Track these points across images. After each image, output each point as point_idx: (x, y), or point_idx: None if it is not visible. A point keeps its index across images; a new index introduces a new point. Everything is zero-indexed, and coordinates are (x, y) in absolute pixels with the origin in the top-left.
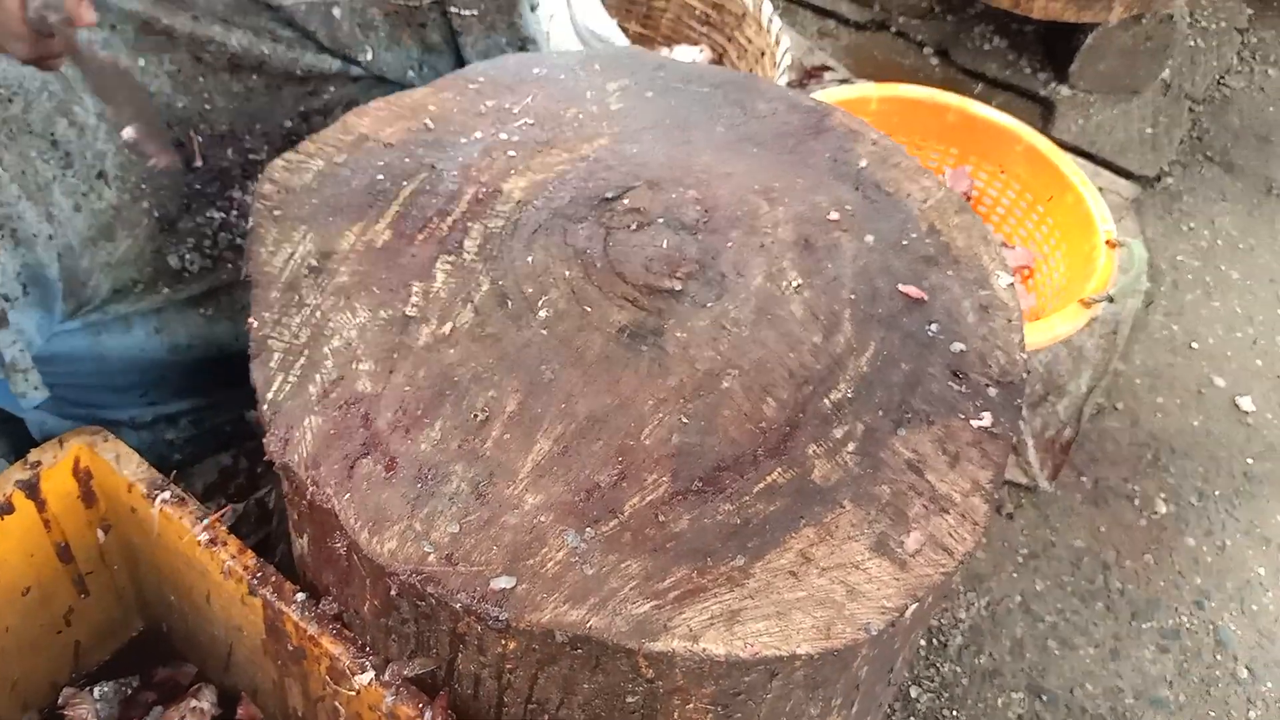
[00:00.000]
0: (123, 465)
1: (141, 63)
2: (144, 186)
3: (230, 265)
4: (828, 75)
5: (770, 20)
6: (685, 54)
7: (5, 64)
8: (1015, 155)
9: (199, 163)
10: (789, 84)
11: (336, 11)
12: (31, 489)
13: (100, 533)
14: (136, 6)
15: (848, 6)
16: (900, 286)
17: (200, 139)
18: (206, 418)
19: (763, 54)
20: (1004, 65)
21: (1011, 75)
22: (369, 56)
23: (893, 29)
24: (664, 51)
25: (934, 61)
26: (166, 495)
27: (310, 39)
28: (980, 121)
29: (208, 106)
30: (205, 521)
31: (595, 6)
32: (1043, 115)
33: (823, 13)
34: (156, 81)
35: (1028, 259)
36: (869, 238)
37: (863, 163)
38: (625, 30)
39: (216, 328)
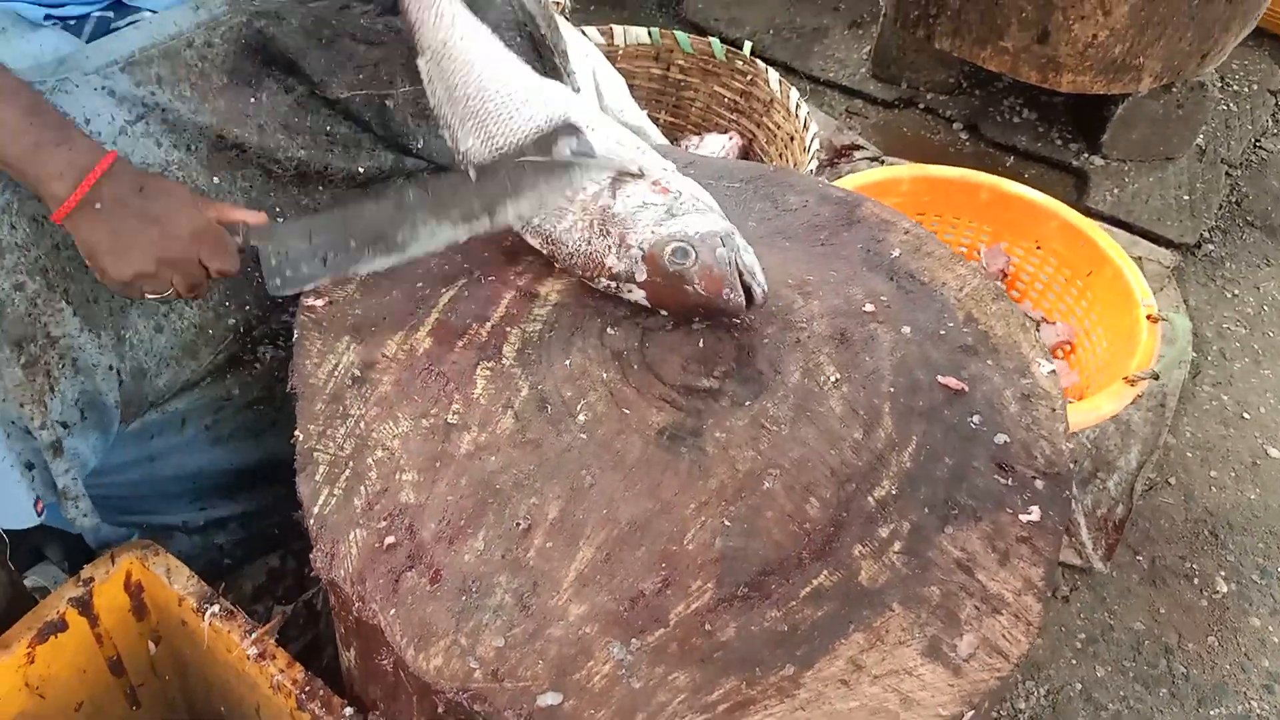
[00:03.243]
0: (173, 579)
1: (216, 180)
2: (228, 304)
3: (285, 359)
4: (857, 154)
5: (798, 105)
6: (715, 142)
7: None
8: (1050, 231)
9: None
10: (819, 164)
11: (389, 103)
12: (84, 605)
13: (151, 645)
14: (208, 120)
15: (875, 85)
16: (940, 378)
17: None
18: (255, 520)
19: (792, 139)
20: (1034, 137)
21: (1042, 147)
22: (420, 144)
23: (921, 106)
24: (694, 140)
25: (964, 136)
26: (216, 609)
27: (366, 130)
28: (1014, 199)
29: (280, 220)
30: (254, 635)
31: (625, 97)
32: (1076, 186)
33: (850, 92)
34: (231, 198)
35: (1068, 334)
36: (906, 329)
37: (896, 252)
38: (655, 120)
39: (261, 420)
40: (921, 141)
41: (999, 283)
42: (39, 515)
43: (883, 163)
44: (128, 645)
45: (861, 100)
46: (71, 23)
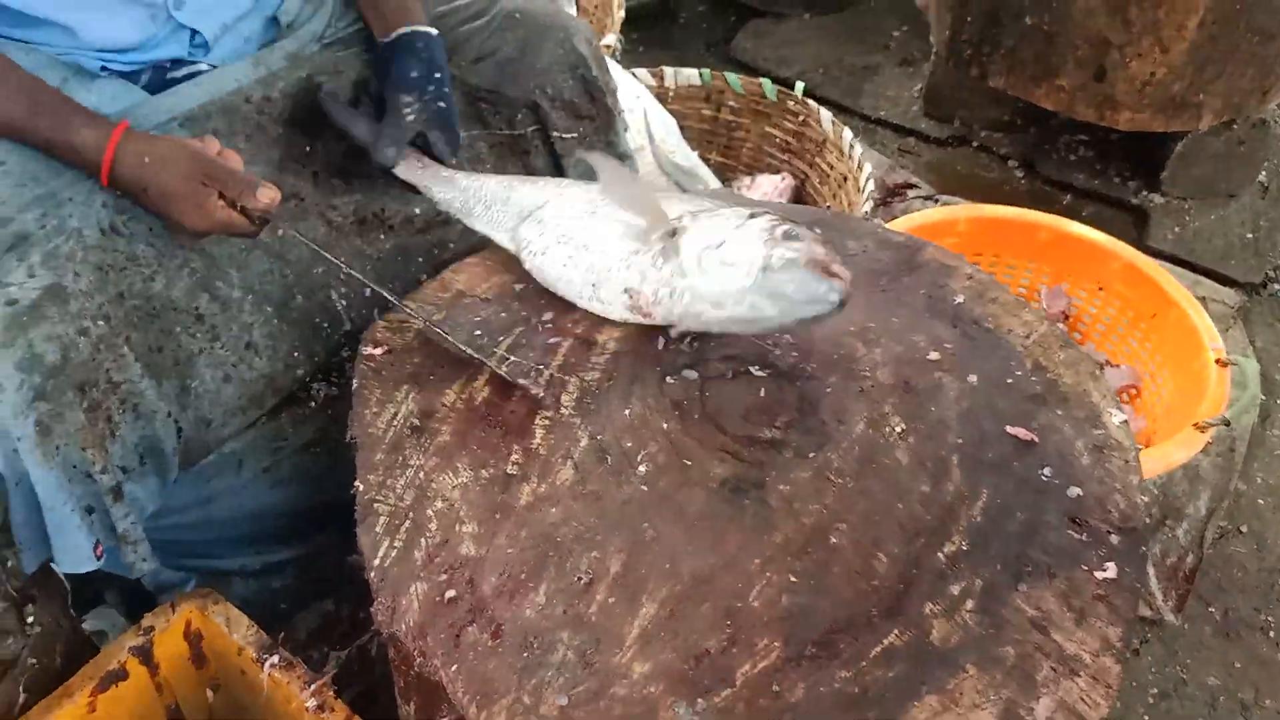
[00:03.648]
0: (233, 628)
1: (280, 232)
2: (297, 354)
3: (344, 396)
4: (911, 193)
5: (851, 146)
6: (767, 182)
7: (144, 245)
8: (1113, 273)
9: (348, 325)
10: (874, 203)
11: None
12: (145, 654)
13: (209, 692)
14: (264, 171)
15: (928, 123)
16: (1008, 428)
17: (344, 302)
18: (310, 564)
19: (845, 179)
20: (1092, 175)
21: (1100, 185)
22: None
23: (974, 143)
24: (746, 180)
25: (1019, 174)
26: (275, 659)
27: None
28: (1074, 239)
29: (345, 273)
30: (313, 687)
31: (677, 139)
32: (1135, 224)
33: (903, 130)
34: (293, 250)
35: (1133, 378)
36: (972, 377)
37: (959, 298)
38: (706, 160)
39: (318, 462)
40: (976, 179)
41: (1063, 327)
42: (98, 559)
43: (937, 201)
44: (187, 693)
45: (914, 138)
46: (129, 73)
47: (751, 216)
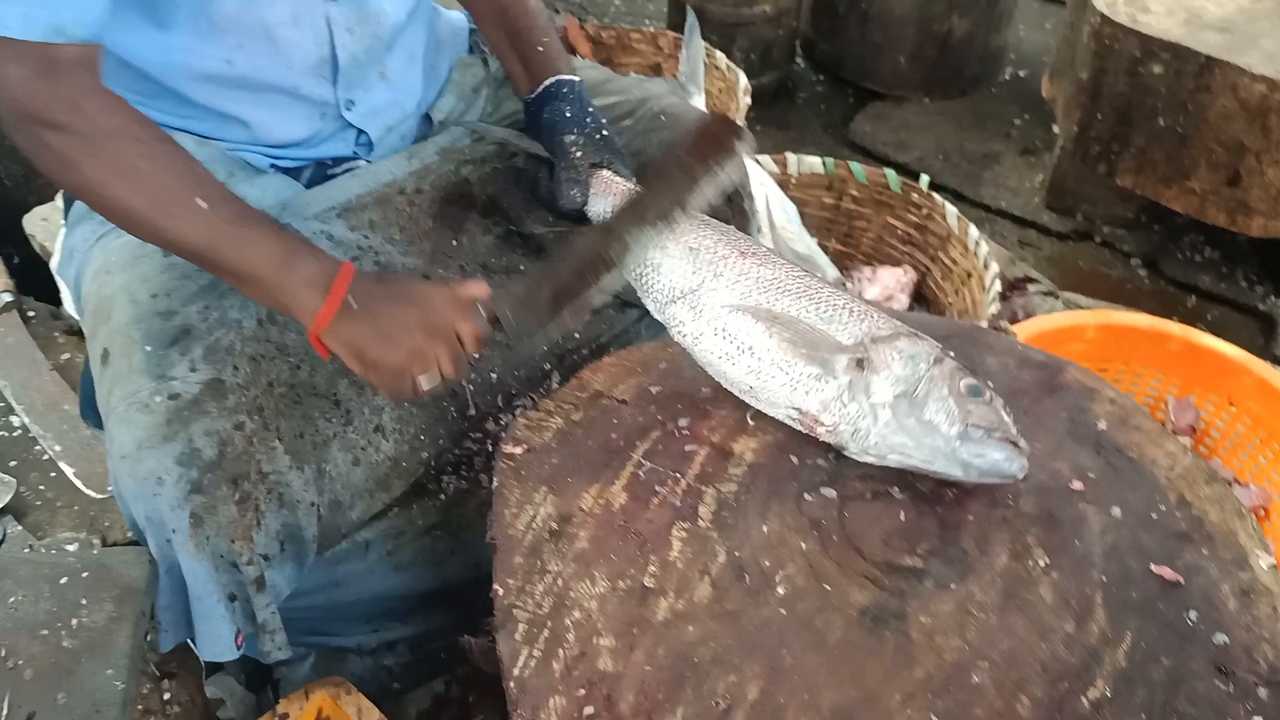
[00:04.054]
0: None
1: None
2: (422, 438)
3: (474, 488)
4: (1031, 287)
5: (977, 244)
6: (889, 275)
7: (294, 334)
8: (1245, 388)
9: (472, 411)
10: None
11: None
12: None
13: None
14: (415, 261)
15: (1049, 216)
16: (1153, 567)
17: (471, 388)
18: (423, 643)
19: (969, 276)
20: (1218, 278)
21: (1227, 288)
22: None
23: (1097, 239)
24: (866, 271)
25: (1142, 273)
26: None
27: None
28: (1205, 351)
29: (474, 356)
30: None
31: (798, 226)
32: (1263, 331)
33: (1023, 222)
34: None
35: (1263, 499)
36: (1116, 510)
37: (1102, 424)
38: (825, 248)
39: (437, 545)
40: (1097, 276)
41: (1209, 463)
42: (238, 649)
43: (1058, 298)
44: None
45: (1034, 230)
46: (293, 169)
47: (936, 361)
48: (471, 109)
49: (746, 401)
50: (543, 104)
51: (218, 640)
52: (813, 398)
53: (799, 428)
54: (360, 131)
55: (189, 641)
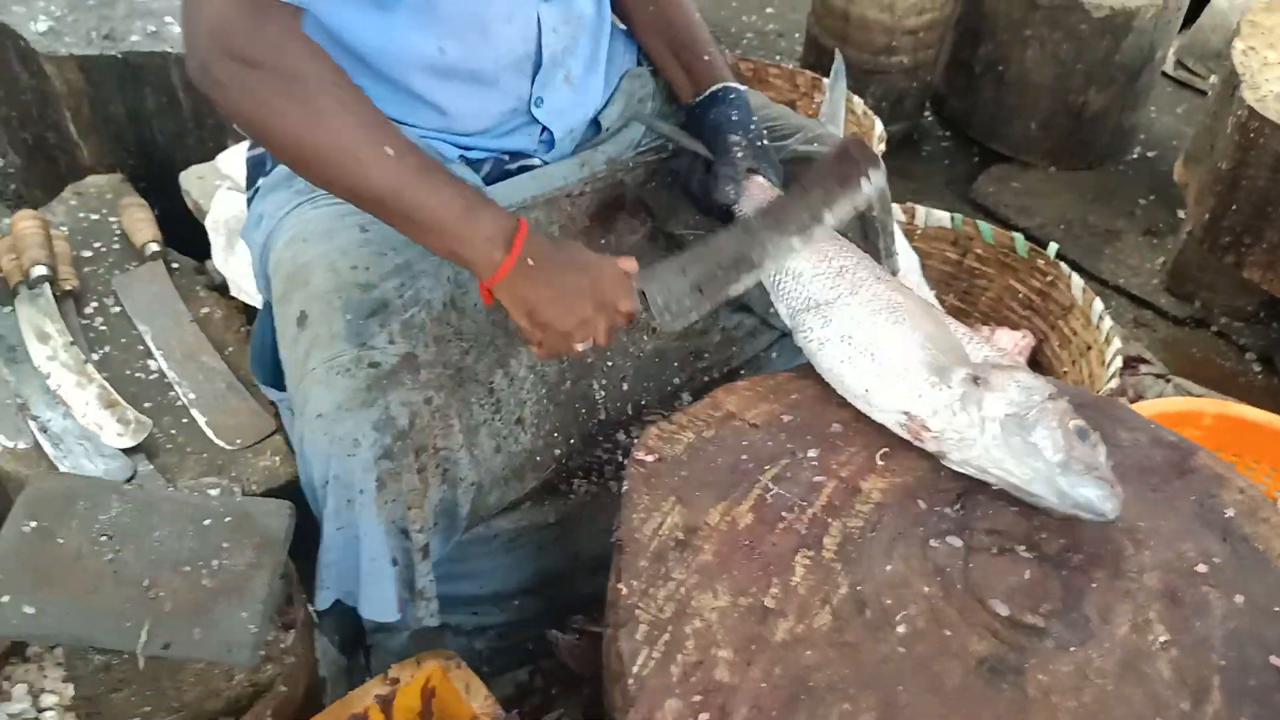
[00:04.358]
0: (472, 695)
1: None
2: (555, 434)
3: (602, 493)
4: (1143, 368)
5: (1101, 317)
6: (1007, 338)
7: (470, 320)
8: None
9: (602, 414)
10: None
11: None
12: (386, 704)
13: None
14: None
15: (1167, 300)
16: (1273, 659)
17: (602, 392)
18: (514, 632)
19: (1089, 348)
20: None
21: None
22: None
23: (1213, 328)
24: (985, 330)
25: (1256, 368)
26: None
27: None
28: None
29: (609, 363)
30: None
31: (919, 277)
32: None
33: (1140, 302)
34: None
35: None
36: (1239, 598)
37: (1230, 512)
38: (943, 303)
39: (549, 539)
40: (1210, 365)
41: None
42: (399, 611)
43: (1169, 381)
44: None
45: (1151, 312)
46: (475, 160)
47: (1051, 398)
48: (638, 118)
49: (858, 406)
50: (709, 106)
51: (382, 601)
52: (925, 402)
53: (904, 434)
54: (544, 129)
55: (305, 605)
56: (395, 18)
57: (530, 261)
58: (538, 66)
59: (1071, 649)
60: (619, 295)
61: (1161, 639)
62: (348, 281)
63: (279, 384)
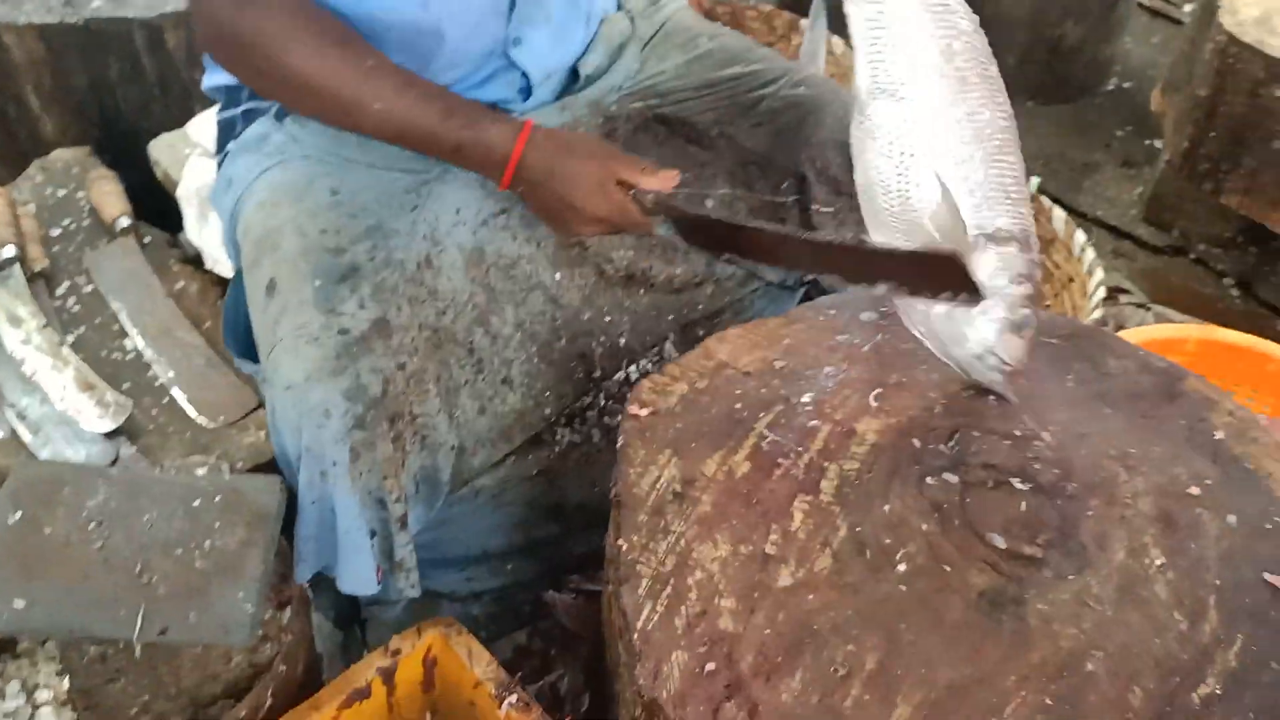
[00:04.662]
0: (474, 662)
1: (558, 276)
2: (548, 394)
3: (584, 441)
4: (1122, 298)
5: (1083, 249)
6: None
7: (445, 279)
8: None
9: (598, 372)
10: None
11: (709, 202)
12: (388, 675)
13: (428, 715)
14: None
15: (1146, 229)
16: (1266, 576)
17: (600, 349)
18: (509, 595)
19: (1070, 280)
20: None
21: None
22: None
23: (1192, 255)
24: None
25: (1234, 293)
26: (514, 699)
27: None
28: None
29: (607, 319)
30: None
31: None
32: None
33: (1118, 233)
34: (568, 294)
35: None
36: (1231, 518)
37: (1219, 434)
38: None
39: (537, 491)
40: (1189, 292)
41: None
42: (378, 584)
43: (1149, 309)
44: (411, 716)
45: (1130, 242)
46: None
47: (1020, 282)
48: (617, 65)
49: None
50: None
51: (360, 574)
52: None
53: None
54: (523, 75)
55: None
56: None
57: (527, 177)
58: (513, 5)
59: (1070, 577)
60: (621, 222)
61: (1158, 562)
62: (316, 245)
63: (254, 355)
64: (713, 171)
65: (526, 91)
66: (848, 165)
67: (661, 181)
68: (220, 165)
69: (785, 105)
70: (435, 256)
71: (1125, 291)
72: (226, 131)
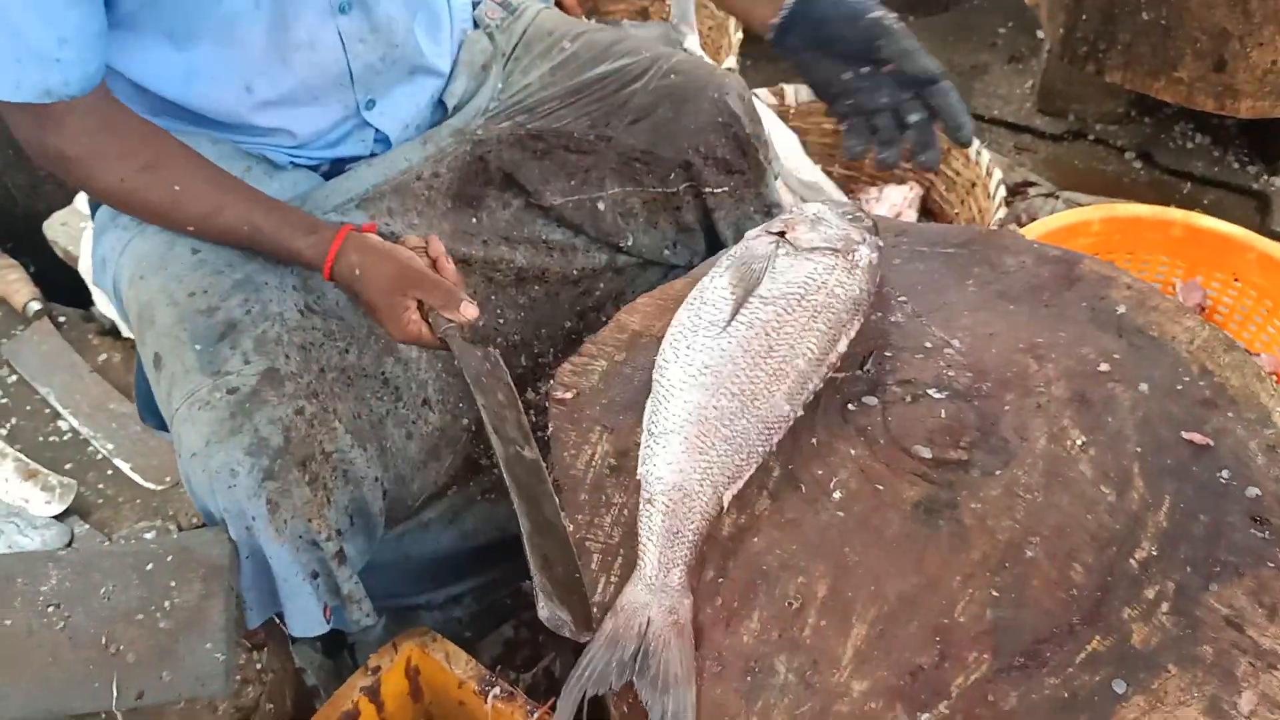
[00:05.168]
0: (453, 664)
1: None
2: (461, 405)
3: None
4: (1031, 191)
5: (979, 152)
6: (895, 193)
7: (335, 320)
8: (1248, 263)
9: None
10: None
11: (601, 205)
12: (373, 693)
13: None
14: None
15: (1041, 119)
16: (1184, 434)
17: (496, 351)
18: (488, 593)
19: (973, 185)
20: (1210, 162)
21: (1220, 172)
22: (630, 242)
23: (1090, 137)
24: (872, 192)
25: (1137, 165)
26: (497, 690)
27: (580, 234)
28: (1207, 233)
29: (501, 320)
30: (536, 715)
31: (799, 155)
32: (1259, 209)
33: (1016, 128)
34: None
35: (1274, 366)
36: (1143, 386)
37: (1121, 309)
38: (829, 174)
39: (497, 510)
40: (1094, 173)
41: (1228, 333)
42: (327, 621)
43: (1058, 198)
44: None
45: (1029, 135)
46: (311, 166)
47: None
48: (483, 87)
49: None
50: (804, 10)
51: (307, 616)
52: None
53: None
54: (377, 130)
55: (274, 617)
56: (195, 61)
57: (351, 262)
58: (353, 77)
59: (997, 473)
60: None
61: (1079, 442)
62: (188, 310)
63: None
64: (599, 175)
65: (386, 143)
66: (731, 145)
67: (461, 313)
68: (94, 247)
69: (659, 97)
70: (314, 303)
71: (1032, 184)
72: (94, 207)
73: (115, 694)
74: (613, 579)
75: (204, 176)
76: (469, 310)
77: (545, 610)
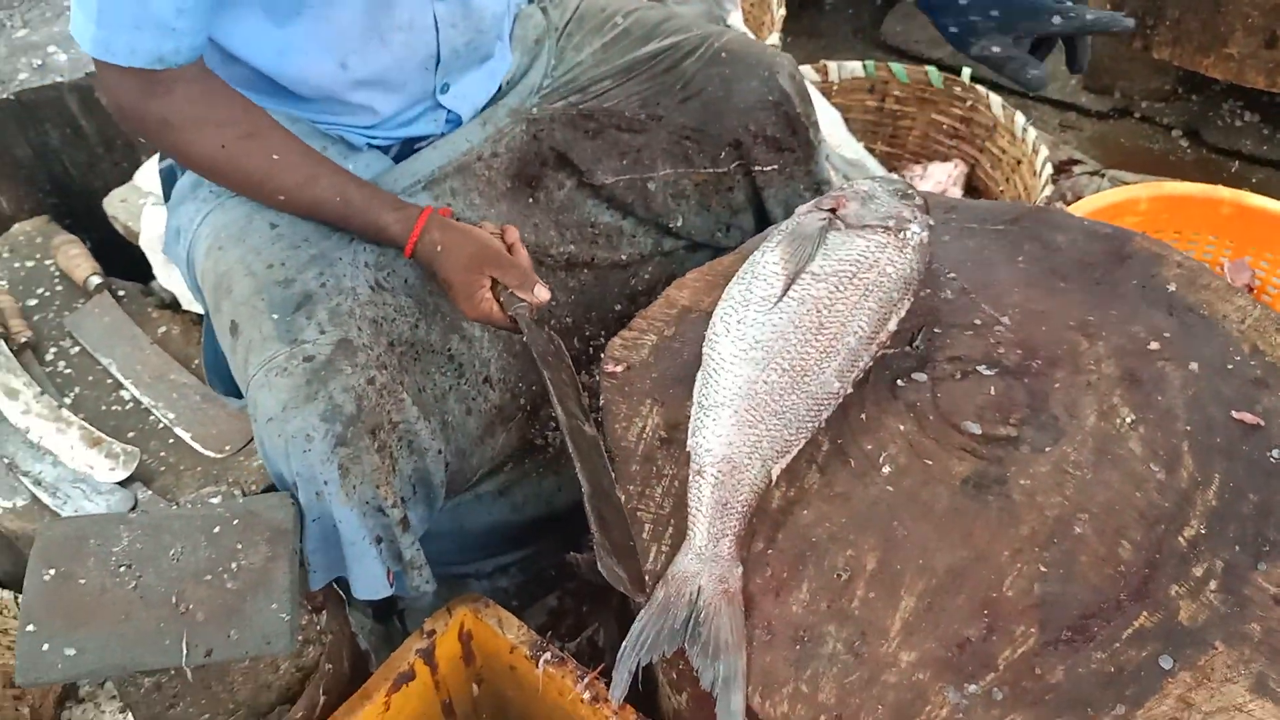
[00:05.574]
0: (505, 629)
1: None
2: (520, 385)
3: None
4: (1076, 169)
5: (1025, 130)
6: (940, 170)
7: (405, 297)
8: None
9: None
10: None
11: (652, 185)
12: (428, 655)
13: (474, 687)
14: (496, 221)
15: (1087, 97)
16: (1234, 413)
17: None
18: (533, 563)
19: (1019, 163)
20: (1259, 140)
21: (1269, 150)
22: (680, 223)
23: (1136, 115)
24: (916, 169)
25: (1184, 144)
26: (548, 656)
27: (628, 216)
28: (1257, 212)
29: (553, 304)
30: (586, 680)
31: (842, 133)
32: None
33: (1061, 105)
34: None
35: None
36: (1193, 365)
37: (1172, 287)
38: (872, 151)
39: (545, 484)
40: (1140, 151)
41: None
42: (390, 586)
43: (1104, 176)
44: (457, 689)
45: (1074, 112)
46: (382, 147)
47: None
48: (535, 63)
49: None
50: None
51: (371, 579)
52: None
53: None
54: (450, 111)
55: (332, 583)
56: (293, 36)
57: (433, 239)
58: (439, 60)
59: (1047, 449)
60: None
61: (1129, 420)
62: (266, 281)
63: (239, 393)
64: (650, 155)
65: (456, 123)
66: (782, 124)
67: (534, 295)
68: (168, 216)
69: (709, 76)
70: (384, 280)
71: (1078, 162)
72: (169, 180)
73: (185, 651)
74: (664, 548)
75: (298, 149)
76: (542, 292)
77: (604, 566)
